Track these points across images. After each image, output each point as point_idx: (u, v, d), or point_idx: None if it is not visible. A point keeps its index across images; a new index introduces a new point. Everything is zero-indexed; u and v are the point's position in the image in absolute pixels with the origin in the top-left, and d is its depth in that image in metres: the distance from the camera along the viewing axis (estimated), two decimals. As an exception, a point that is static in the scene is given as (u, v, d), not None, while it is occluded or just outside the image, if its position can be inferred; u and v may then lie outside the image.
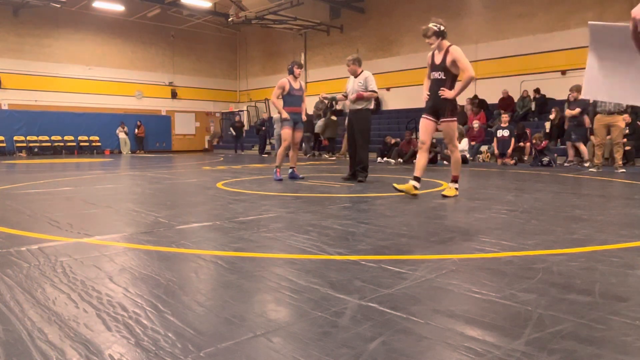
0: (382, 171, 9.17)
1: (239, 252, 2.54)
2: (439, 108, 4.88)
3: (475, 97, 14.67)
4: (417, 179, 4.87)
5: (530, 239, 2.83)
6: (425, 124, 4.98)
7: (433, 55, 4.89)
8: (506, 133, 11.54)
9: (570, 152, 10.74)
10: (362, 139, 6.66)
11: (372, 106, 6.73)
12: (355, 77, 6.58)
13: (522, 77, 14.45)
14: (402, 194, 4.90)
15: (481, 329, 1.49)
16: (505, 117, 11.79)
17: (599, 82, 1.54)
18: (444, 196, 4.85)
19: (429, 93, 4.94)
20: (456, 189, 5.00)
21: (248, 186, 6.08)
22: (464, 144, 12.02)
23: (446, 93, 4.79)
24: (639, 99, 1.56)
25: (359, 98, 6.47)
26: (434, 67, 4.87)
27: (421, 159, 5.00)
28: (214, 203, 4.52)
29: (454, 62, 4.74)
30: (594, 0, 13.36)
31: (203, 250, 2.59)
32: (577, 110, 10.32)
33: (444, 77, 4.82)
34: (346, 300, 1.76)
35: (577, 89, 10.49)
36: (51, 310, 1.67)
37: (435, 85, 4.86)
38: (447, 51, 4.77)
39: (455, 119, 4.98)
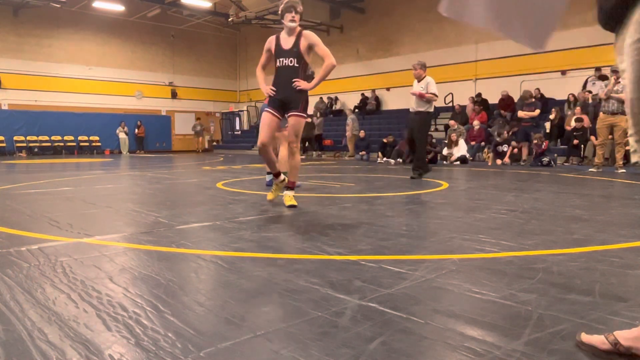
0: (382, 171, 9.18)
1: (239, 252, 2.53)
2: (291, 100, 4.12)
3: (479, 95, 14.67)
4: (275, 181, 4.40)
5: (530, 239, 2.83)
6: (270, 120, 4.16)
7: (278, 40, 4.17)
8: (505, 147, 11.71)
9: (525, 151, 11.18)
10: (420, 139, 7.24)
11: (432, 109, 7.24)
12: (419, 81, 7.13)
13: (522, 77, 14.45)
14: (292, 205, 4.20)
15: (481, 329, 1.48)
16: (505, 134, 11.93)
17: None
18: (292, 206, 4.14)
19: (273, 88, 4.14)
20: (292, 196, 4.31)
21: (248, 186, 6.08)
22: (462, 146, 12.02)
23: (303, 84, 4.08)
24: (532, 35, 1.35)
25: (421, 97, 6.98)
26: (282, 53, 4.11)
27: (269, 160, 4.33)
28: (214, 203, 4.52)
29: (309, 48, 4.13)
30: (594, 0, 13.35)
31: (203, 250, 2.59)
32: (537, 111, 10.71)
33: (297, 65, 4.09)
34: (346, 300, 1.76)
35: (530, 94, 11.06)
36: (51, 310, 1.67)
37: (286, 75, 4.10)
38: (300, 35, 4.11)
39: (306, 115, 4.26)
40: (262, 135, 4.15)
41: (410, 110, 7.31)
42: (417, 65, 7.23)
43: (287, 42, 4.12)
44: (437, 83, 7.46)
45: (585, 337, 1.32)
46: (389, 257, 2.41)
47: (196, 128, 23.14)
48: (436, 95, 7.07)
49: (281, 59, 4.11)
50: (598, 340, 1.29)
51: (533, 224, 3.34)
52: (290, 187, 4.28)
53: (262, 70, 4.32)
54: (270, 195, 4.46)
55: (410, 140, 7.55)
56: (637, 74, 1.11)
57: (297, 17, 4.11)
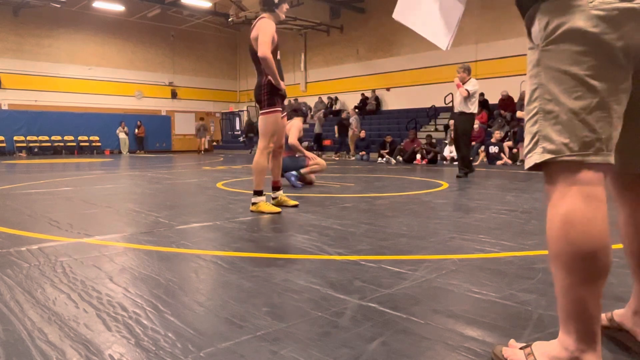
0: (382, 171, 9.18)
1: (239, 252, 2.54)
2: (284, 98, 4.03)
3: (481, 94, 14.69)
4: (260, 192, 3.91)
5: (530, 239, 2.83)
6: (281, 119, 3.98)
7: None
8: (496, 149, 11.78)
9: (522, 151, 11.11)
10: (464, 139, 7.51)
11: (475, 110, 7.49)
12: (463, 84, 7.38)
13: (522, 77, 14.42)
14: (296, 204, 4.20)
15: (481, 329, 1.49)
16: (497, 135, 12.00)
17: (414, 6, 1.45)
18: (295, 206, 4.12)
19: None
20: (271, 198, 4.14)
21: (248, 186, 6.08)
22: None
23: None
24: (439, 37, 1.50)
25: (458, 87, 7.34)
26: (278, 46, 3.91)
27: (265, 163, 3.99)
28: (214, 203, 4.52)
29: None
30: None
31: (203, 250, 2.59)
32: None
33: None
34: (346, 300, 1.76)
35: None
36: (51, 310, 1.67)
37: (281, 70, 3.95)
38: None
39: None
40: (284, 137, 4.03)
41: (455, 111, 7.67)
42: (460, 69, 7.48)
43: (277, 34, 3.88)
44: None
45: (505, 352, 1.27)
46: (389, 257, 2.41)
47: (199, 128, 22.78)
48: (467, 91, 7.26)
49: (279, 52, 3.91)
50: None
51: (533, 224, 3.34)
52: (280, 187, 4.24)
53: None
54: (271, 208, 3.88)
55: (456, 140, 7.85)
56: (526, 80, 1.18)
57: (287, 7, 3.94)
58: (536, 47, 1.13)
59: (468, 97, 7.25)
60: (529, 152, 1.15)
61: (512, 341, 1.30)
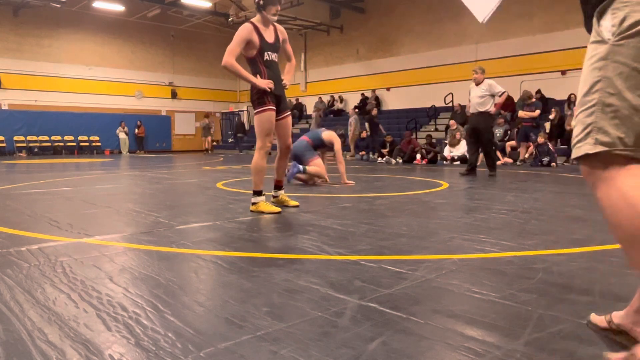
0: (382, 171, 9.18)
1: (239, 252, 2.54)
2: (283, 99, 4.00)
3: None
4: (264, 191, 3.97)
5: (530, 239, 2.83)
6: (274, 118, 3.92)
7: (259, 31, 3.81)
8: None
9: (522, 151, 11.40)
10: (487, 138, 7.63)
11: (493, 109, 7.58)
12: (477, 85, 7.43)
13: (522, 77, 14.46)
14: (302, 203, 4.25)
15: (481, 329, 1.49)
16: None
17: None
18: (296, 206, 4.12)
19: (271, 81, 3.84)
20: (274, 197, 4.18)
21: (248, 186, 6.07)
22: (462, 146, 12.04)
23: (287, 80, 4.01)
24: (481, 9, 1.56)
25: (498, 108, 7.47)
26: (268, 46, 3.83)
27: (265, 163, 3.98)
28: (214, 203, 4.52)
29: (283, 43, 4.01)
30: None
31: (203, 250, 2.59)
32: (537, 112, 10.97)
33: (277, 60, 3.95)
34: (346, 300, 1.76)
35: (529, 95, 11.55)
36: (51, 310, 1.67)
37: (276, 70, 3.91)
38: (276, 28, 3.94)
39: None
40: (271, 136, 3.90)
41: (471, 111, 7.71)
42: (477, 69, 7.61)
43: (268, 35, 3.85)
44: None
45: (593, 317, 1.49)
46: (389, 257, 2.41)
47: (205, 126, 21.95)
48: (505, 91, 7.46)
49: (268, 53, 3.84)
50: (600, 320, 1.47)
51: (533, 224, 3.34)
52: (282, 186, 4.24)
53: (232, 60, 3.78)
54: (270, 208, 3.89)
55: (474, 141, 7.84)
56: (584, 71, 1.20)
57: (277, 8, 3.85)
58: (605, 41, 1.13)
59: (492, 97, 7.37)
60: (578, 141, 1.17)
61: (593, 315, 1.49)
